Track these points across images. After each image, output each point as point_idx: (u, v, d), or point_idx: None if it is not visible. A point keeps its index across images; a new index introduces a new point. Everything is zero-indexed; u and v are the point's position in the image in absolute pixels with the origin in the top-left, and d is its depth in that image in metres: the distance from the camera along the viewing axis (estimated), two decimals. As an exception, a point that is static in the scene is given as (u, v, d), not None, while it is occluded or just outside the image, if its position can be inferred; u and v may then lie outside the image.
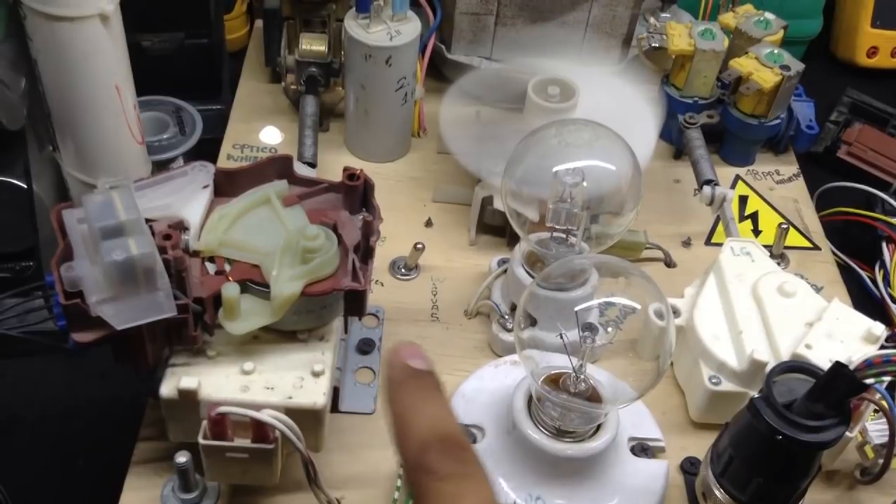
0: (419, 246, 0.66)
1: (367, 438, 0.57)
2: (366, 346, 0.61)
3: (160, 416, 0.50)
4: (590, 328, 0.50)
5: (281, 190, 0.53)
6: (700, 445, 0.56)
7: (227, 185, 0.53)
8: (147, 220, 0.48)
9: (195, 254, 0.50)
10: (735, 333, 0.58)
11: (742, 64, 0.75)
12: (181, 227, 0.50)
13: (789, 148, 0.82)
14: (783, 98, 0.76)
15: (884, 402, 0.51)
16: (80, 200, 0.47)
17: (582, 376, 0.51)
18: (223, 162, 0.75)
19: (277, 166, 0.54)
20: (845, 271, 0.74)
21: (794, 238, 0.73)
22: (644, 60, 0.83)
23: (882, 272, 0.75)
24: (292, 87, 0.78)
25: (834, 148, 0.84)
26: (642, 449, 0.56)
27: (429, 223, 0.72)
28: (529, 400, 0.53)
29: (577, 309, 0.52)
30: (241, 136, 0.78)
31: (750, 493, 0.49)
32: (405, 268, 0.68)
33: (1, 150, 0.63)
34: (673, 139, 0.80)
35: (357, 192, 0.53)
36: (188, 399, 0.48)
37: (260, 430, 0.47)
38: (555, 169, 0.56)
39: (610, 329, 0.50)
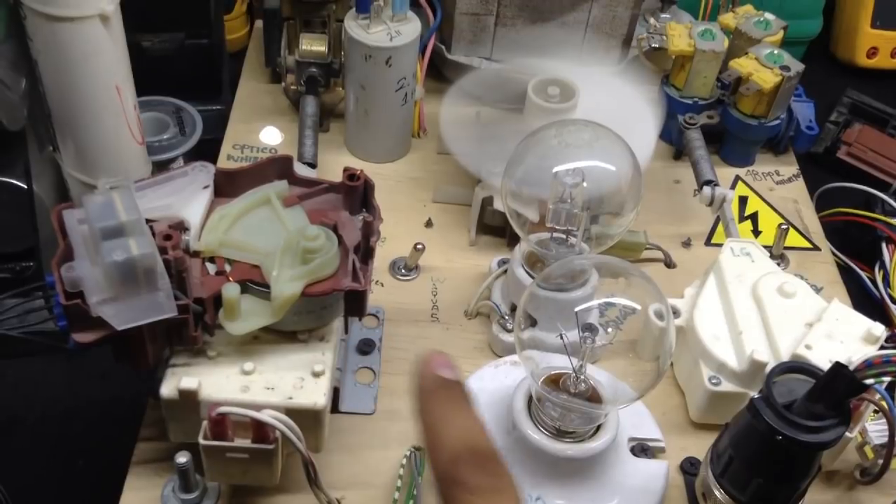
0: (419, 246, 0.66)
1: (368, 439, 0.57)
2: (366, 347, 0.61)
3: (160, 417, 0.50)
4: (590, 329, 0.50)
5: (281, 190, 0.53)
6: (700, 446, 0.56)
7: (227, 186, 0.53)
8: (147, 221, 0.48)
9: (195, 254, 0.50)
10: (735, 334, 0.58)
11: (742, 64, 0.75)
12: (181, 227, 0.50)
13: (789, 148, 0.82)
14: (783, 98, 0.76)
15: (883, 403, 0.51)
16: (81, 201, 0.47)
17: (582, 377, 0.51)
18: (223, 162, 0.75)
19: (278, 167, 0.54)
20: (845, 272, 0.75)
21: (793, 238, 0.73)
22: (644, 61, 0.83)
23: (882, 273, 0.75)
24: (292, 87, 0.78)
25: (834, 148, 0.85)
26: (642, 449, 0.56)
27: (429, 223, 0.72)
28: (529, 400, 0.53)
29: (577, 309, 0.52)
30: (241, 137, 0.78)
31: (750, 494, 0.49)
32: (405, 268, 0.68)
33: (1, 151, 0.63)
34: (673, 140, 0.80)
35: (357, 193, 0.53)
36: (188, 399, 0.48)
37: (260, 430, 0.47)
38: (555, 169, 0.56)
39: (610, 329, 0.50)
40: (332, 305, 0.51)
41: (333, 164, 0.73)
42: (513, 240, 0.70)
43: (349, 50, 0.72)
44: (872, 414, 0.55)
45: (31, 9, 0.55)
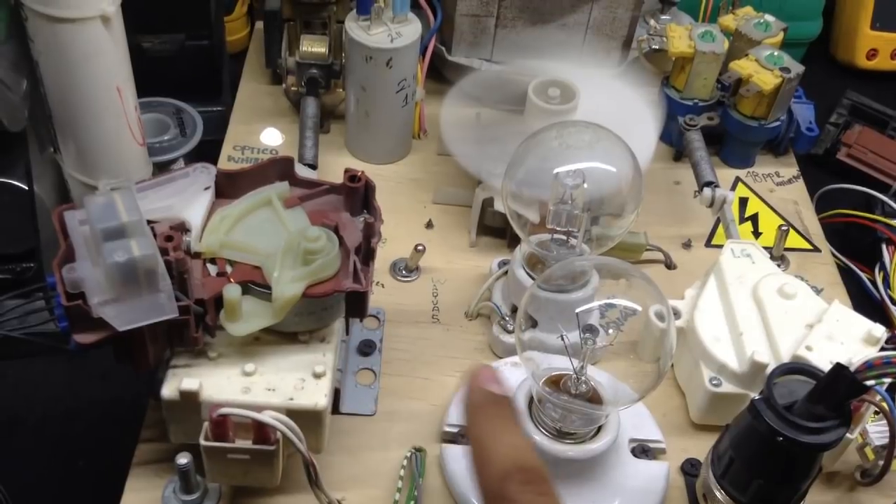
0: (420, 247, 0.66)
1: (368, 440, 0.57)
2: (367, 348, 0.61)
3: (161, 418, 0.50)
4: (590, 330, 0.50)
5: (282, 191, 0.53)
6: (701, 447, 0.56)
7: (228, 187, 0.54)
8: (149, 222, 0.48)
9: (197, 255, 0.50)
10: (735, 335, 0.58)
11: (742, 66, 0.75)
12: (183, 228, 0.50)
13: (789, 150, 0.82)
14: (783, 100, 0.76)
15: (884, 404, 0.51)
16: (82, 202, 0.47)
17: (583, 378, 0.51)
18: (223, 164, 0.75)
19: (278, 168, 0.54)
20: (845, 273, 0.75)
21: (794, 240, 0.73)
22: (644, 62, 0.83)
23: (882, 274, 0.75)
24: (293, 88, 0.78)
25: (834, 150, 0.85)
26: (643, 450, 0.56)
27: (429, 225, 0.72)
28: (530, 401, 0.53)
29: (577, 310, 0.52)
30: (242, 138, 0.78)
31: (750, 495, 0.49)
32: (406, 269, 0.68)
33: (2, 152, 0.63)
34: (673, 141, 0.80)
35: (358, 194, 0.53)
36: (189, 400, 0.48)
37: (261, 431, 0.47)
38: (555, 171, 0.56)
39: (611, 331, 0.50)
40: (333, 306, 0.51)
41: (334, 166, 0.74)
42: (513, 241, 0.70)
43: (350, 51, 0.72)
44: (873, 415, 0.55)
45: (32, 10, 0.55)
